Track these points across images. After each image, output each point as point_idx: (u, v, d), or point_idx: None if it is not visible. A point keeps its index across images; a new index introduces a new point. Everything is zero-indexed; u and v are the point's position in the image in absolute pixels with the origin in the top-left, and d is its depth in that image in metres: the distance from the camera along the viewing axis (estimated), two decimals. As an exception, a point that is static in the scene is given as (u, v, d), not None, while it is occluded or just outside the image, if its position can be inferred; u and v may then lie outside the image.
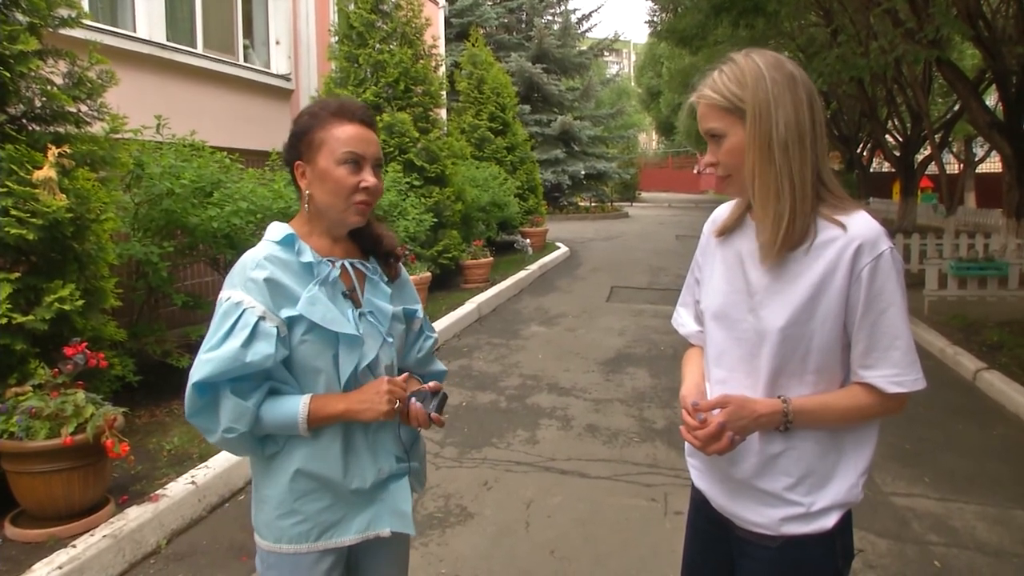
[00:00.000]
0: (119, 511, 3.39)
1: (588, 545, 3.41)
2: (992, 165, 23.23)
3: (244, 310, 1.50)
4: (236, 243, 5.58)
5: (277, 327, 1.52)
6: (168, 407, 4.94)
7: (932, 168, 17.05)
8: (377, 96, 9.07)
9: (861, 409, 1.48)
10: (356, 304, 1.64)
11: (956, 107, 15.83)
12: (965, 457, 4.44)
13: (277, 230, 1.61)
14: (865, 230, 1.42)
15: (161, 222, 5.20)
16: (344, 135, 1.57)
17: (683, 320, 1.77)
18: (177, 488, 3.64)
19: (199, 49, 7.85)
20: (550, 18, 27.32)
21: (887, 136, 18.75)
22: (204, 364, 1.48)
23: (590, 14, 30.98)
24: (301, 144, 1.60)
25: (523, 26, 26.53)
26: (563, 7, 27.57)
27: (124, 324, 4.65)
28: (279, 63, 9.40)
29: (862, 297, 1.42)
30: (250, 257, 1.56)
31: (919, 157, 18.20)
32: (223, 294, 1.54)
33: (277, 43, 9.40)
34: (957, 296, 8.26)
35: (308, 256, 1.58)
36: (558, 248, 14.58)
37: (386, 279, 1.73)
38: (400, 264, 1.79)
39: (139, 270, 5.20)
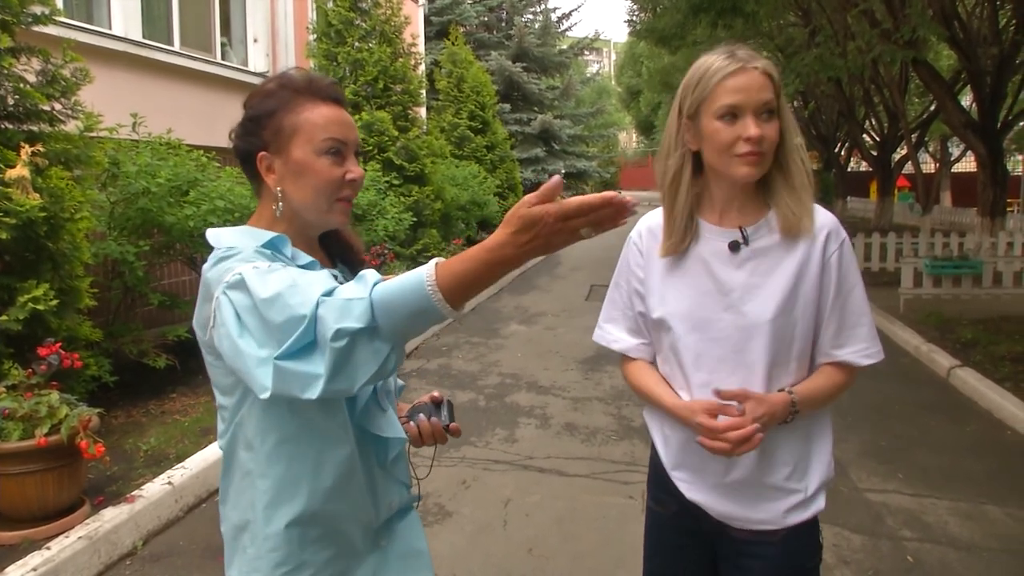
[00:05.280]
0: (94, 512, 3.36)
1: (566, 543, 3.42)
2: (967, 165, 23.56)
3: (282, 267, 1.17)
4: (213, 242, 5.54)
5: None
6: (145, 407, 4.90)
7: (909, 167, 17.26)
8: (356, 94, 9.05)
9: (839, 387, 1.56)
10: None
11: (932, 107, 16.03)
12: (939, 453, 4.50)
13: (248, 235, 1.29)
14: (828, 220, 1.53)
15: (137, 221, 5.15)
16: (322, 119, 1.29)
17: (615, 336, 1.68)
18: (153, 489, 3.61)
19: (176, 47, 7.78)
20: (530, 17, 27.29)
21: (864, 136, 18.94)
22: (311, 285, 1.07)
23: (570, 13, 30.92)
24: (264, 131, 1.30)
25: (503, 24, 26.51)
26: (543, 6, 27.54)
27: (100, 324, 4.61)
28: (257, 61, 9.33)
29: (833, 282, 1.51)
30: (236, 259, 1.21)
31: (896, 156, 18.42)
32: (230, 277, 1.15)
33: (255, 41, 9.34)
34: (932, 294, 8.37)
35: (304, 258, 1.30)
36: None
37: None
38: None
39: (115, 269, 5.16)
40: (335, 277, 1.30)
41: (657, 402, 1.60)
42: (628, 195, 0.97)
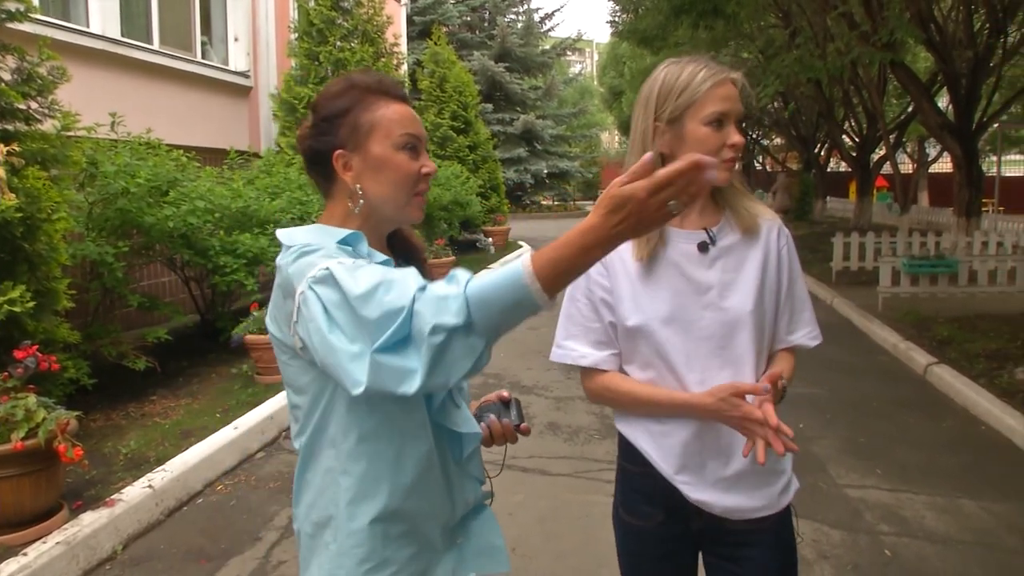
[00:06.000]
0: (73, 517, 3.32)
1: (549, 542, 3.43)
2: (944, 165, 23.85)
3: (366, 264, 1.16)
4: (193, 243, 5.52)
5: None
6: (124, 410, 4.86)
7: (887, 168, 17.44)
8: (338, 94, 9.01)
9: (794, 369, 1.65)
10: None
11: (910, 108, 16.21)
12: (916, 449, 4.56)
13: (322, 233, 1.29)
14: (774, 216, 1.65)
15: (116, 222, 5.11)
16: (397, 115, 1.33)
17: (580, 351, 1.64)
18: (134, 492, 3.58)
19: (155, 45, 7.73)
20: (513, 17, 27.36)
21: (844, 136, 19.11)
22: (405, 278, 1.07)
23: (553, 13, 31.03)
24: (340, 129, 1.32)
25: (486, 24, 26.54)
26: (526, 6, 27.66)
27: (78, 326, 4.57)
28: (237, 60, 9.28)
29: (785, 272, 1.62)
30: (318, 244, 1.22)
31: (874, 157, 18.60)
32: (316, 272, 1.13)
33: (236, 40, 9.28)
34: (910, 293, 8.47)
35: (380, 256, 1.29)
36: (521, 247, 14.61)
37: None
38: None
39: (93, 271, 5.11)
40: None
41: (663, 403, 1.56)
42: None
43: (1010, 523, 3.58)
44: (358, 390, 1.04)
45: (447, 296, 1.02)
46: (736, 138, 1.50)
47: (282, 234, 1.31)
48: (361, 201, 1.32)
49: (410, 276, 1.08)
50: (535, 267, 1.01)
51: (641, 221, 1.00)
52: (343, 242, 1.26)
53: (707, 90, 1.48)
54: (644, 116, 1.55)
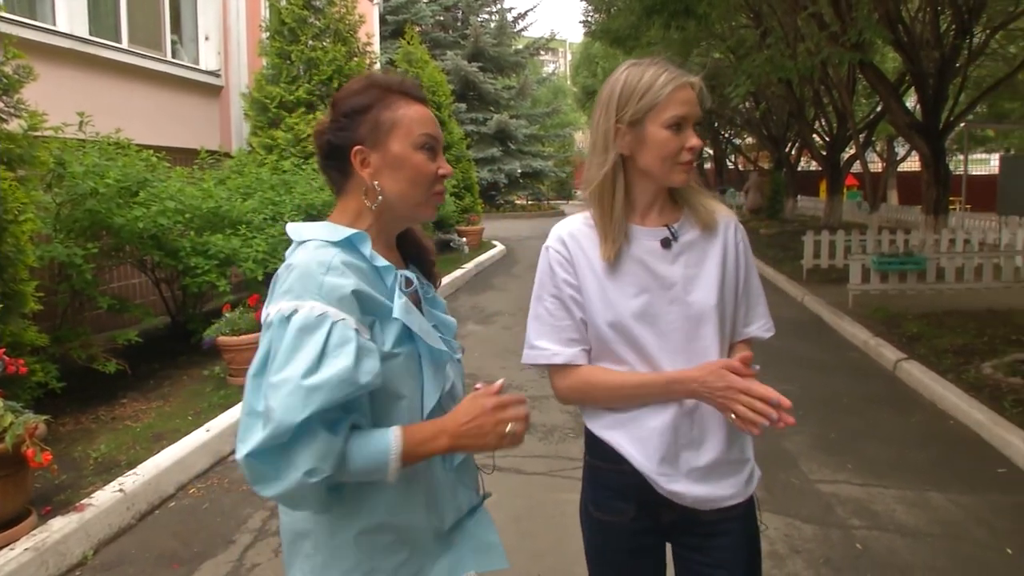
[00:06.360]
0: (42, 523, 3.27)
1: (524, 541, 3.43)
2: (912, 164, 24.22)
3: (334, 323, 1.17)
4: (163, 244, 5.45)
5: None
6: (95, 413, 4.79)
7: (857, 167, 17.67)
8: (310, 94, 8.94)
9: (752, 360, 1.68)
10: None
11: (879, 108, 16.45)
12: (886, 444, 4.63)
13: (329, 230, 1.30)
14: (730, 213, 1.69)
15: (85, 223, 5.04)
16: (417, 115, 1.36)
17: (553, 350, 1.62)
18: (104, 496, 3.54)
19: (124, 44, 7.62)
20: (486, 16, 27.36)
21: (814, 136, 19.35)
22: (313, 392, 1.12)
23: (526, 13, 31.07)
24: (360, 126, 1.33)
25: (459, 24, 26.51)
26: (499, 6, 27.68)
27: (47, 328, 4.50)
28: (208, 59, 9.18)
29: (742, 266, 1.66)
30: (317, 262, 1.22)
31: (844, 156, 18.85)
32: (285, 306, 1.19)
33: (206, 39, 9.18)
34: (880, 290, 8.59)
35: (381, 261, 1.31)
36: (494, 246, 14.62)
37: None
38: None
39: (62, 272, 5.03)
40: (408, 280, 1.37)
41: (650, 383, 1.56)
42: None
43: (978, 516, 3.65)
44: (238, 456, 1.16)
45: (337, 443, 1.17)
46: (694, 141, 1.54)
47: (291, 228, 1.34)
48: (380, 197, 1.33)
49: (325, 389, 1.13)
50: (403, 449, 1.22)
51: (482, 428, 1.28)
52: (347, 242, 1.28)
53: (668, 94, 1.51)
54: (606, 117, 1.57)
